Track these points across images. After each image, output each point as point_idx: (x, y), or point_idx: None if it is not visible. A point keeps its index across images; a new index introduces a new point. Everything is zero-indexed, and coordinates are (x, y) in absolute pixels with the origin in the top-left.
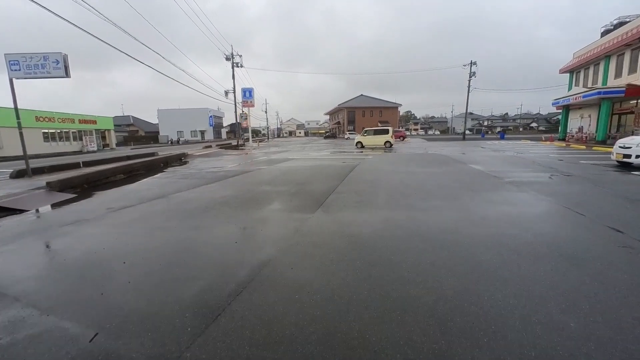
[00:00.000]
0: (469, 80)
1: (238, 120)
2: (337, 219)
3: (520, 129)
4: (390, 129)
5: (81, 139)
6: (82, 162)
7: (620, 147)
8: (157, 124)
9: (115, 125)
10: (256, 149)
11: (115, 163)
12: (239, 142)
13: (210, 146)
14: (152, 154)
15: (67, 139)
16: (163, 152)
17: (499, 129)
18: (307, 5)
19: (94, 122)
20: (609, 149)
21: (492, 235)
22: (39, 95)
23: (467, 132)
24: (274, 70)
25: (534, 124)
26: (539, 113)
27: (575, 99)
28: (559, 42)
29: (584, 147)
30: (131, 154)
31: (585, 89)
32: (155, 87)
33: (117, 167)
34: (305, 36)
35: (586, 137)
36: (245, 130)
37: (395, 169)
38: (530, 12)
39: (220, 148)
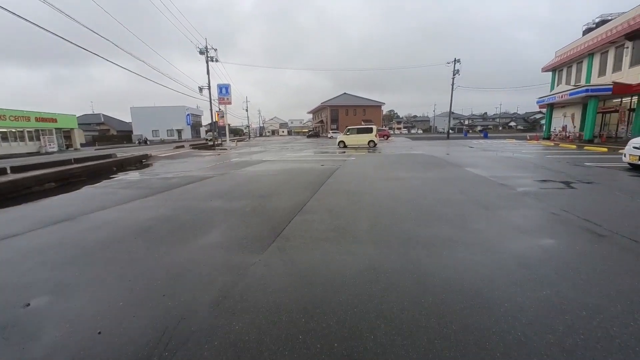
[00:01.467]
0: (453, 78)
1: (214, 119)
2: (295, 268)
3: (500, 128)
4: (374, 127)
5: (39, 139)
6: (11, 168)
7: (635, 147)
8: (131, 122)
9: (84, 124)
10: (233, 149)
11: (54, 168)
12: (215, 142)
13: (182, 146)
14: (109, 156)
15: (22, 139)
16: (126, 153)
17: (479, 128)
18: (295, 4)
19: (54, 120)
20: (602, 149)
21: (557, 310)
22: (8, 92)
23: (450, 131)
24: (251, 65)
25: (512, 123)
26: (516, 113)
27: (562, 97)
28: (536, 45)
29: (574, 146)
30: (81, 157)
31: (572, 87)
32: (135, 84)
33: (46, 174)
34: (292, 35)
35: (571, 136)
36: (223, 129)
37: (382, 175)
38: (509, 16)
39: (194, 148)
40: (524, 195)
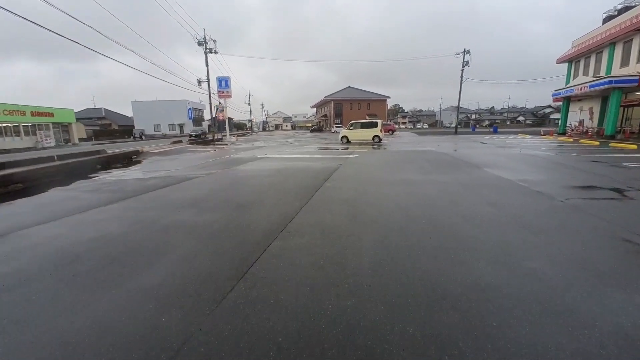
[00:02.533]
0: (462, 70)
1: (214, 112)
2: (252, 355)
3: (508, 123)
4: (379, 121)
5: (35, 134)
6: None
7: None
8: (132, 117)
9: (85, 119)
10: (232, 144)
11: (28, 166)
12: (214, 137)
13: (180, 141)
14: (97, 152)
15: (17, 133)
16: (119, 149)
17: (486, 123)
18: None
19: (51, 114)
20: (630, 146)
21: None
22: (16, 86)
23: (457, 125)
24: (252, 57)
25: (521, 118)
26: (524, 107)
27: (581, 89)
28: (548, 37)
29: (597, 142)
30: (67, 153)
31: (592, 78)
32: (138, 79)
33: (13, 174)
34: (297, 29)
35: (589, 131)
36: (223, 123)
37: (388, 177)
38: (520, 7)
39: (191, 143)
40: (575, 210)
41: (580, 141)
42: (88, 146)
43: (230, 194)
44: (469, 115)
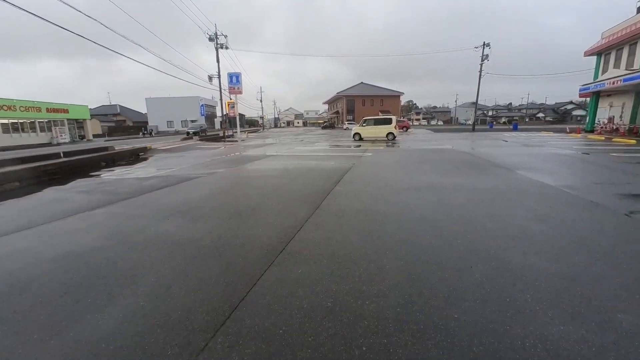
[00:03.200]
0: (481, 64)
1: (224, 109)
2: None
3: (527, 120)
4: (394, 118)
5: (50, 130)
6: None
7: None
8: (146, 113)
9: (100, 115)
10: (243, 141)
11: (31, 163)
12: (225, 133)
13: (191, 137)
14: (105, 149)
15: (34, 129)
16: (128, 145)
17: (503, 119)
18: None
19: (66, 110)
20: None
21: None
22: (39, 82)
23: (471, 122)
24: (264, 52)
25: (540, 115)
26: (542, 103)
27: (613, 83)
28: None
29: (633, 141)
30: (74, 150)
31: (627, 72)
32: (153, 76)
33: (10, 172)
34: (312, 25)
35: (621, 128)
36: (234, 119)
37: (408, 181)
38: (540, 2)
39: (201, 140)
40: None
41: (613, 140)
42: (100, 142)
43: (229, 199)
44: (485, 111)
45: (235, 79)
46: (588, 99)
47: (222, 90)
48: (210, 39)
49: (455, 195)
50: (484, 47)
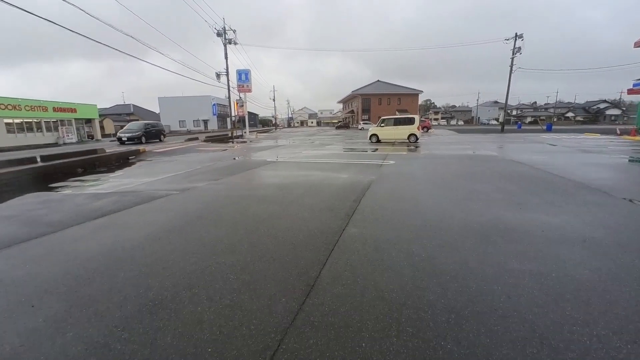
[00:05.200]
0: (512, 58)
1: (232, 107)
2: None
3: (554, 119)
4: (416, 117)
5: (57, 130)
6: None
7: None
8: (160, 113)
9: (114, 114)
10: (251, 142)
11: None
12: (233, 134)
13: (195, 138)
14: (93, 152)
15: (40, 129)
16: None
17: (529, 119)
18: None
19: (73, 110)
20: None
21: None
22: (68, 84)
23: (494, 122)
24: (276, 47)
25: (570, 114)
26: (570, 102)
27: None
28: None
29: None
30: (53, 154)
31: None
32: (171, 75)
33: None
34: (332, 23)
35: None
36: (243, 118)
37: (459, 215)
38: None
39: (206, 141)
40: None
41: None
42: (105, 143)
43: (173, 253)
44: (509, 111)
45: (244, 76)
46: (632, 96)
47: (231, 89)
48: (219, 34)
49: (562, 253)
50: (515, 39)
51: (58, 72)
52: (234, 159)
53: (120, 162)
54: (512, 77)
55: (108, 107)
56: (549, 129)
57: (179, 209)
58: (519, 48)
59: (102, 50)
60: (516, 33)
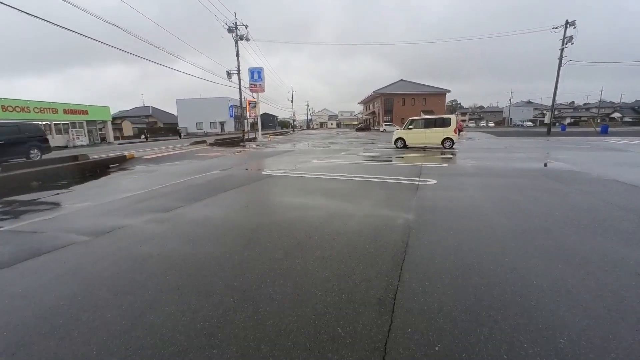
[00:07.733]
0: (561, 50)
1: (247, 110)
2: None
3: (598, 120)
4: (453, 117)
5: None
6: None
7: None
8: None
9: (133, 117)
10: (261, 146)
11: None
12: (244, 137)
13: (203, 141)
14: (75, 158)
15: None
16: (118, 151)
17: (568, 120)
18: None
19: (85, 112)
20: None
21: None
22: (108, 88)
23: (529, 123)
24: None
25: (616, 114)
26: (612, 102)
27: None
28: None
29: None
30: (54, 157)
31: None
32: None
33: None
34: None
35: None
36: (256, 120)
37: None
38: None
39: (213, 144)
40: None
41: None
42: (114, 144)
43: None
44: (543, 111)
45: (257, 75)
46: None
47: (243, 88)
48: (230, 30)
49: None
50: (566, 27)
51: (95, 75)
52: (228, 169)
53: (95, 172)
54: (546, 75)
55: (128, 109)
56: (604, 131)
57: (73, 281)
58: (571, 37)
59: (129, 58)
60: (567, 20)
